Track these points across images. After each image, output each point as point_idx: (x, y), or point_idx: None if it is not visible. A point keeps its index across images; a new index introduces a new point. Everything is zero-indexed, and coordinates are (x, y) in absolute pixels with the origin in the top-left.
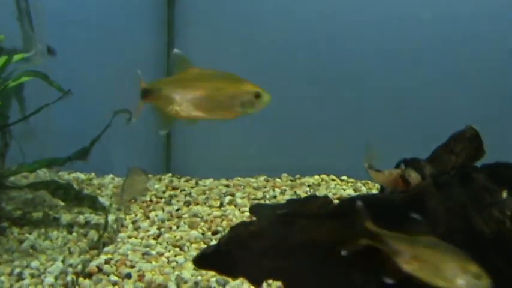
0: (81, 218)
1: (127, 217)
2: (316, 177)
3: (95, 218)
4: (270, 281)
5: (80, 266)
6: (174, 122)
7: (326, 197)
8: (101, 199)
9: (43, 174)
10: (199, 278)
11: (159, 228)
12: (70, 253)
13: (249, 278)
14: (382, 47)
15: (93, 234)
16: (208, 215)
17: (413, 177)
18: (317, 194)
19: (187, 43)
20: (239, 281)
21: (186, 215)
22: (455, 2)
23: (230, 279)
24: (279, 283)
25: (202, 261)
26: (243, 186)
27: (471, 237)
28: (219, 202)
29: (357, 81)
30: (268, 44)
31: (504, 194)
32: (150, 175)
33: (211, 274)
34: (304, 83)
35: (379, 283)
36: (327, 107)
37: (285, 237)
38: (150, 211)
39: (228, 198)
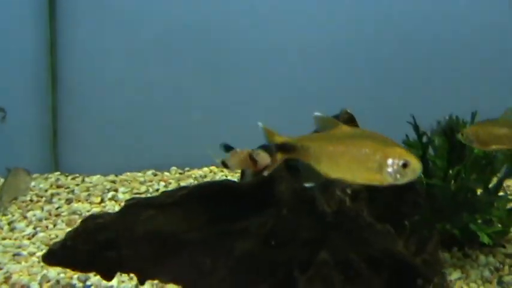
0: None
1: (3, 218)
2: (205, 169)
3: None
4: (133, 275)
5: None
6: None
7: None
8: None
9: None
10: (62, 275)
11: (35, 228)
12: None
13: (99, 272)
14: (270, 37)
15: None
16: (88, 211)
17: (262, 156)
18: None
19: (71, 41)
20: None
21: (65, 213)
22: None
23: (91, 275)
24: None
25: (50, 257)
26: (129, 182)
27: (314, 218)
28: (100, 198)
29: (245, 71)
30: (155, 36)
31: None
32: (36, 174)
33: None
34: (190, 75)
35: (226, 267)
36: (215, 98)
37: (130, 229)
38: (28, 211)
39: (110, 194)
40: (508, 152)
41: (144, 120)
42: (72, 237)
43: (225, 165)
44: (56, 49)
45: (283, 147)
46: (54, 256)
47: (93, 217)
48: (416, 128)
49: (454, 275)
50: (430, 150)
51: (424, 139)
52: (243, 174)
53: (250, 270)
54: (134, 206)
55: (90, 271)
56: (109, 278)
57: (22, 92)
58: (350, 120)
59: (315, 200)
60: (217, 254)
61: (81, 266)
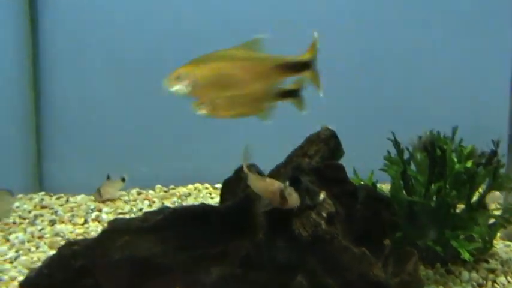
0: None
1: None
2: (190, 186)
3: None
4: None
5: None
6: None
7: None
8: None
9: None
10: None
11: (17, 251)
12: None
13: None
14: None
15: None
16: (71, 233)
17: (294, 197)
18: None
19: (54, 62)
20: None
21: (47, 235)
22: None
23: None
24: None
25: (27, 284)
26: (113, 201)
27: (291, 242)
28: (83, 219)
29: None
30: (134, 57)
31: (321, 196)
32: (20, 195)
33: None
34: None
35: None
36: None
37: (106, 255)
38: (11, 233)
39: (94, 214)
40: (490, 168)
41: (129, 139)
42: (48, 264)
43: (250, 169)
44: (38, 67)
45: None
46: (31, 283)
47: (69, 243)
48: (396, 144)
49: None
50: (412, 166)
51: (406, 155)
52: (222, 196)
53: None
54: (110, 232)
55: None
56: None
57: (5, 111)
58: (331, 138)
59: (290, 223)
60: (194, 280)
61: None
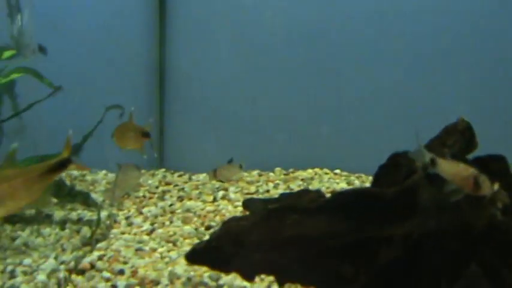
0: (74, 215)
1: (120, 213)
2: (310, 170)
3: (87, 215)
4: (263, 276)
5: (72, 263)
6: None
7: (318, 191)
8: (93, 195)
9: None
10: (192, 273)
11: (152, 224)
12: (63, 250)
13: (241, 273)
14: (375, 40)
15: (86, 231)
16: (202, 210)
17: (487, 185)
18: (310, 187)
19: (179, 42)
20: (231, 276)
21: (179, 210)
22: None
23: (222, 274)
24: (271, 277)
25: (194, 257)
26: (236, 181)
27: (462, 231)
28: (212, 197)
29: (351, 73)
30: (260, 38)
31: (496, 187)
32: (143, 171)
33: (204, 269)
34: (297, 76)
35: (368, 275)
36: (320, 99)
37: (276, 232)
38: (143, 207)
39: (221, 193)
40: None
41: (249, 120)
42: (217, 238)
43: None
44: (164, 49)
45: None
46: (198, 255)
47: (236, 219)
48: None
49: None
50: None
51: None
52: (377, 180)
53: (393, 279)
54: (277, 210)
55: (231, 272)
56: (251, 279)
57: (131, 90)
58: (467, 129)
59: (462, 212)
60: (360, 261)
61: (223, 266)
